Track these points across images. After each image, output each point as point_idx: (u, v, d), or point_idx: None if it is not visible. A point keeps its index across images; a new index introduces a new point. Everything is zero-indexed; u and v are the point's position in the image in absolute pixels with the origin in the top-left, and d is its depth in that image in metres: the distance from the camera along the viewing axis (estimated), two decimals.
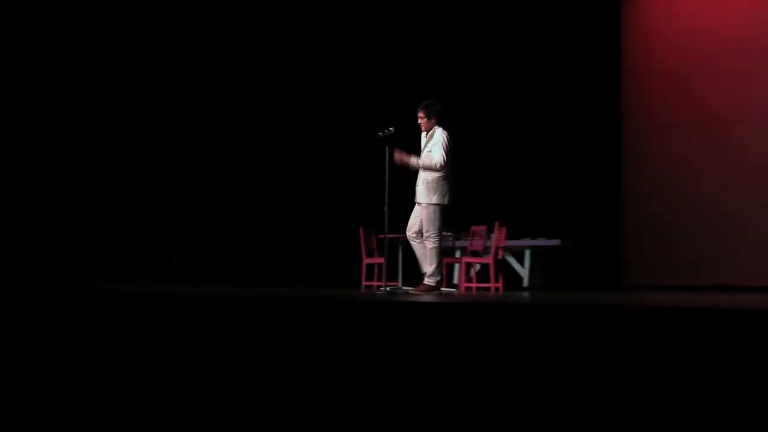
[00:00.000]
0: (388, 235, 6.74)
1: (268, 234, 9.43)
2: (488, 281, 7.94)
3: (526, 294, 6.87)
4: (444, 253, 8.50)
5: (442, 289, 7.01)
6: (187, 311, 3.89)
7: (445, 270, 8.04)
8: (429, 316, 3.62)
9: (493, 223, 8.04)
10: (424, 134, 6.71)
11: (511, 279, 8.90)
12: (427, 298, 5.47)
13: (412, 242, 6.72)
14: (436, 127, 6.63)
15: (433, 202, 6.59)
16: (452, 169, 6.66)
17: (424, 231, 6.60)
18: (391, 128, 6.59)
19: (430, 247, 6.60)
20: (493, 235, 7.99)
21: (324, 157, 9.65)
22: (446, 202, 6.63)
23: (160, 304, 3.98)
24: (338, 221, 9.62)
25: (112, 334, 3.78)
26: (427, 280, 6.60)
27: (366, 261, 8.24)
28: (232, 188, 9.17)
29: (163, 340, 3.72)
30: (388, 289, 6.64)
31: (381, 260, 7.84)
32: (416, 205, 6.70)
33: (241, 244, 9.21)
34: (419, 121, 6.66)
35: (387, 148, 6.61)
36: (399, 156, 6.62)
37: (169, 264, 8.53)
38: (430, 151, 6.60)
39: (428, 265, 6.62)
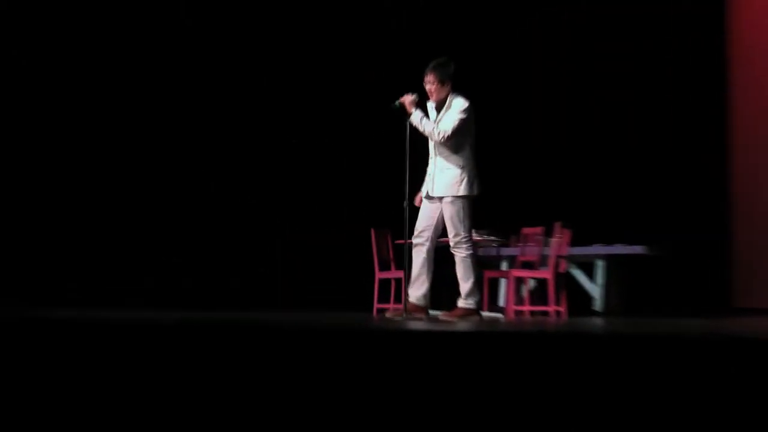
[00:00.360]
0: (410, 240, 6.72)
1: (267, 237, 10.07)
2: (546, 303, 7.97)
3: (598, 320, 6.89)
4: (486, 264, 8.55)
5: (483, 313, 7.00)
6: (176, 341, 4.10)
7: (487, 288, 8.05)
8: (467, 350, 3.65)
9: (553, 224, 8.05)
10: (431, 105, 6.74)
11: (578, 300, 8.82)
12: (464, 325, 5.49)
13: (415, 251, 6.73)
14: (453, 94, 6.65)
15: (461, 193, 6.56)
16: (476, 151, 6.69)
17: (451, 235, 6.60)
18: (406, 97, 6.66)
19: (464, 255, 6.57)
20: (553, 241, 7.99)
21: (327, 141, 10.12)
22: (476, 192, 6.64)
23: (150, 333, 4.21)
24: (342, 221, 9.86)
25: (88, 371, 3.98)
26: (463, 302, 6.59)
27: (379, 275, 8.28)
28: (230, 189, 10.08)
29: (147, 374, 3.91)
30: (405, 315, 6.64)
31: (399, 274, 7.78)
32: (428, 200, 6.72)
33: (236, 250, 9.99)
34: (428, 87, 6.65)
35: (408, 129, 6.65)
36: (409, 98, 6.65)
37: (172, 264, 9.50)
38: (440, 121, 6.65)
39: (463, 282, 6.62)
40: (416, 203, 6.84)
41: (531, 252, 8.08)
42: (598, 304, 8.91)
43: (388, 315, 6.86)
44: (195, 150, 10.12)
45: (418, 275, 6.73)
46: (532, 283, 8.48)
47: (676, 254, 9.66)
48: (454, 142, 6.57)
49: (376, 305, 8.15)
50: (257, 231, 10.16)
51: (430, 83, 6.61)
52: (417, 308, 6.68)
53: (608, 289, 8.99)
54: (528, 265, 8.08)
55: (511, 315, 7.85)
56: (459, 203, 6.54)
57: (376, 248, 8.31)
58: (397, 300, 7.89)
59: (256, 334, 4.13)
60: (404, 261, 6.76)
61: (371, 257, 8.37)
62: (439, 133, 6.53)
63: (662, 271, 9.84)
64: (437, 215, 6.67)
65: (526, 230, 8.17)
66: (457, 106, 6.58)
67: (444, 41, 9.71)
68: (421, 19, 10.36)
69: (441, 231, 6.73)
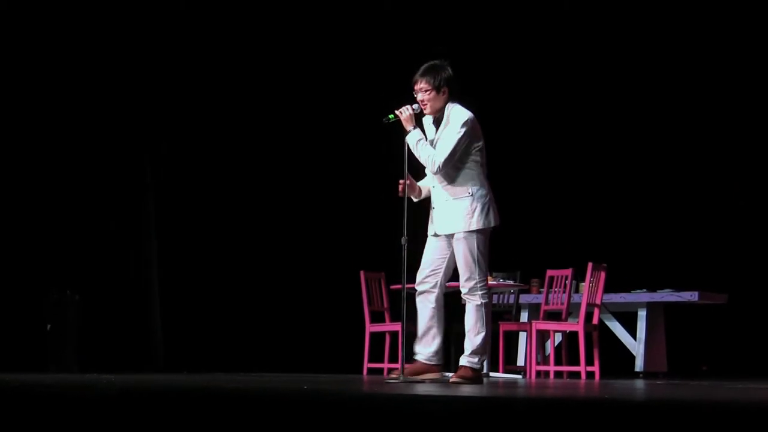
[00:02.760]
0: (409, 285, 6.67)
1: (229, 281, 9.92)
2: (577, 362, 8.03)
3: (639, 384, 6.89)
4: (502, 314, 8.49)
5: (498, 374, 6.97)
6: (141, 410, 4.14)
7: (502, 343, 8.02)
8: (477, 423, 3.60)
9: (585, 265, 8.09)
10: (429, 121, 6.64)
11: (616, 358, 8.90)
12: (472, 390, 5.50)
13: (421, 300, 6.67)
14: (451, 104, 6.54)
15: (474, 227, 6.47)
16: (487, 174, 6.61)
17: (464, 279, 6.50)
18: (403, 111, 6.58)
19: (478, 303, 6.49)
20: (585, 285, 8.04)
21: (306, 157, 10.23)
22: (494, 224, 6.54)
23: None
24: (325, 260, 9.82)
25: None
26: (468, 361, 6.50)
27: (370, 328, 8.40)
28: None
29: None
30: (402, 377, 6.55)
31: (395, 327, 7.85)
32: (434, 237, 6.63)
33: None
34: (421, 97, 6.52)
35: (406, 148, 6.57)
36: (407, 113, 6.52)
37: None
38: (440, 140, 6.53)
39: (473, 335, 6.51)
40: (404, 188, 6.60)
41: (558, 299, 8.11)
42: (640, 364, 8.98)
43: (391, 378, 6.82)
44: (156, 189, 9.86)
45: (427, 329, 6.62)
46: (559, 339, 8.50)
47: (737, 303, 9.62)
48: (456, 165, 6.50)
49: (366, 364, 8.10)
50: (216, 275, 9.85)
51: (422, 92, 6.48)
52: (429, 368, 6.56)
53: (652, 345, 9.00)
54: (554, 316, 8.17)
55: (533, 377, 7.96)
56: (473, 239, 6.45)
57: (367, 295, 8.40)
58: (393, 359, 7.83)
59: (214, 408, 4.04)
60: (401, 311, 6.66)
61: (360, 306, 8.31)
62: (434, 163, 6.44)
63: (722, 323, 9.91)
64: (447, 255, 6.58)
65: (552, 272, 8.21)
66: (456, 120, 6.47)
67: (457, 52, 9.95)
68: (420, 24, 10.48)
69: (452, 274, 6.63)
